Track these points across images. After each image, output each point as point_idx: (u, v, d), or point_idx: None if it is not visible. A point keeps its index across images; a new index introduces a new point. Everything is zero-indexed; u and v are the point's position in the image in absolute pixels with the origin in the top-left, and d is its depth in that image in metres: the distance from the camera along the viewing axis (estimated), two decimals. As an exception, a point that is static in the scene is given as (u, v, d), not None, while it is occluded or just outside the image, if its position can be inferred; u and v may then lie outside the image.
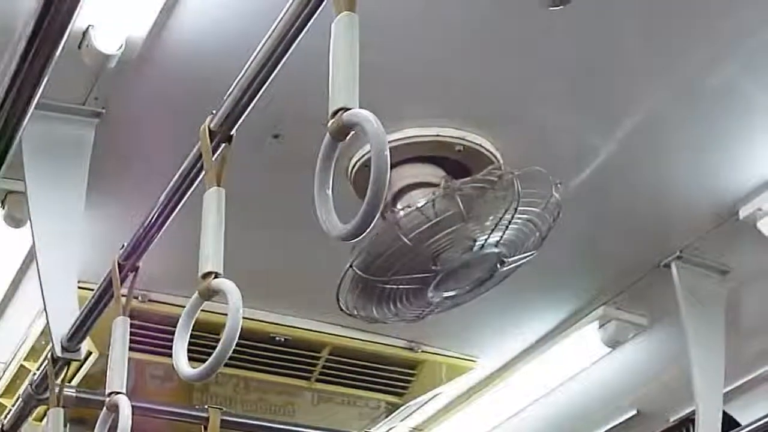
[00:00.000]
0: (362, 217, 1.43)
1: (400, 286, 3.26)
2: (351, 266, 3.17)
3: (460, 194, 3.12)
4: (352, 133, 1.49)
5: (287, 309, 4.24)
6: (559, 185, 3.15)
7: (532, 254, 3.35)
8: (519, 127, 3.24)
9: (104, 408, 2.31)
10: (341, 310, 3.36)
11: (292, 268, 3.61)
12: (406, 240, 3.09)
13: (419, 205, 3.11)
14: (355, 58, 1.54)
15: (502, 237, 3.20)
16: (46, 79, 1.82)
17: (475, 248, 3.21)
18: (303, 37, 1.85)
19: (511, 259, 3.31)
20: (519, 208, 3.15)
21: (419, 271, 3.20)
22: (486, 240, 3.19)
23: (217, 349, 1.74)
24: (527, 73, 3.08)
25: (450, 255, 3.18)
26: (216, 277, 1.83)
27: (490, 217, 3.16)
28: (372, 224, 1.44)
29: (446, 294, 3.36)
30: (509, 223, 3.17)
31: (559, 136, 3.29)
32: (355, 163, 3.21)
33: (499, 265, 3.32)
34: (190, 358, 1.85)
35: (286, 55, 1.89)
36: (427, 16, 2.87)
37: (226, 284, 1.79)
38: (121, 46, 2.83)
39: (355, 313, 3.39)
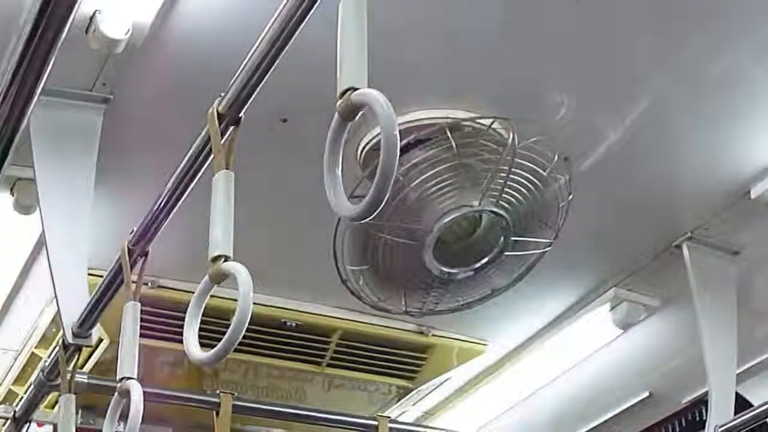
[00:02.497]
0: (372, 197, 1.43)
1: (395, 238, 3.23)
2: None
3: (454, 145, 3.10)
4: (361, 113, 1.48)
5: (298, 294, 4.24)
6: (562, 153, 3.14)
7: (546, 244, 3.34)
8: (528, 109, 3.22)
9: (116, 393, 2.31)
10: (336, 266, 3.33)
11: (301, 253, 3.60)
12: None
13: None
14: (363, 37, 1.53)
15: (500, 195, 3.17)
16: (51, 64, 1.81)
17: (472, 206, 3.18)
18: (311, 18, 1.84)
19: (519, 239, 3.30)
20: (517, 161, 3.13)
21: (412, 220, 3.18)
22: (482, 199, 3.17)
23: (228, 332, 1.74)
24: (535, 59, 3.06)
25: (443, 204, 3.16)
26: (226, 260, 1.83)
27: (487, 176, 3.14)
28: (381, 205, 1.44)
29: (447, 269, 3.34)
30: (506, 179, 3.15)
31: (568, 119, 3.27)
32: (365, 146, 3.20)
33: (505, 244, 3.30)
34: (201, 344, 1.85)
35: (293, 37, 1.88)
36: (436, 6, 2.86)
37: (236, 267, 1.79)
38: (128, 31, 2.82)
39: (352, 279, 3.37)
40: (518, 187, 3.21)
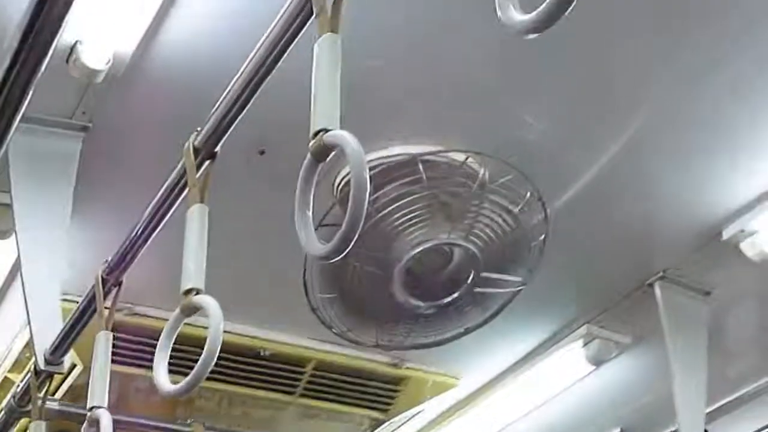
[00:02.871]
0: (341, 237, 1.45)
1: (364, 267, 3.25)
2: None
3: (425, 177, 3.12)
4: (333, 153, 1.51)
5: (272, 324, 4.24)
6: (536, 192, 3.18)
7: (519, 283, 3.37)
8: (504, 147, 3.25)
9: (85, 422, 2.32)
10: (306, 294, 3.35)
11: (277, 284, 3.61)
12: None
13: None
14: (336, 79, 1.55)
15: (470, 230, 3.20)
16: (31, 93, 1.83)
17: (440, 238, 3.20)
18: (290, 54, 1.86)
19: (489, 275, 3.32)
20: (489, 197, 3.16)
21: (381, 248, 3.20)
22: (450, 232, 3.18)
23: (197, 366, 1.75)
24: (512, 96, 3.10)
25: (412, 236, 3.19)
26: (198, 293, 1.85)
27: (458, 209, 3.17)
28: (350, 245, 1.46)
29: (416, 302, 3.37)
30: (477, 213, 3.18)
31: (544, 157, 3.30)
32: (342, 178, 3.22)
33: (475, 280, 3.33)
34: (176, 371, 1.86)
35: (271, 74, 1.91)
36: (411, 35, 2.89)
37: (206, 301, 1.80)
38: (109, 61, 2.84)
39: (322, 309, 3.38)
40: (489, 222, 3.24)
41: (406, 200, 3.15)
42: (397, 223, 3.18)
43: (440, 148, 3.23)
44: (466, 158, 3.19)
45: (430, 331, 3.55)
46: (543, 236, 3.33)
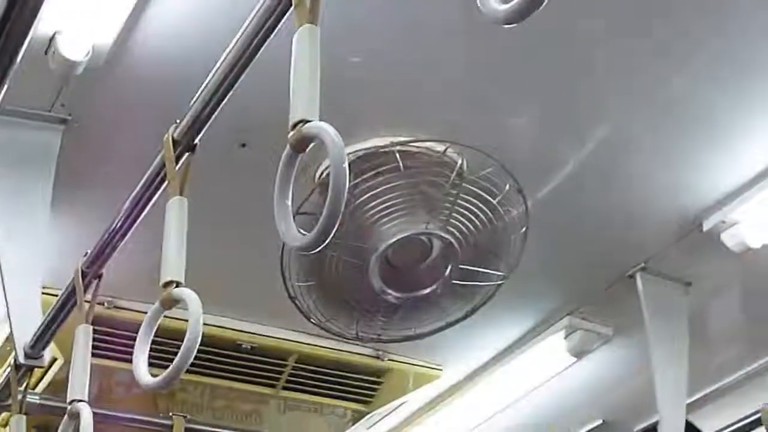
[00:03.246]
0: (320, 228, 1.44)
1: (341, 256, 3.24)
2: None
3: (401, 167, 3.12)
4: (313, 144, 1.50)
5: (253, 316, 4.24)
6: (515, 184, 3.18)
7: (499, 277, 3.37)
8: (485, 138, 3.25)
9: (65, 416, 2.31)
10: (284, 282, 3.34)
11: (258, 276, 3.61)
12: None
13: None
14: (315, 70, 1.55)
15: (447, 220, 3.20)
16: (7, 85, 1.82)
17: (418, 228, 3.20)
18: (270, 45, 1.86)
19: (468, 267, 3.32)
20: (467, 187, 3.16)
21: (357, 238, 3.20)
22: (428, 223, 3.18)
23: (176, 359, 1.75)
24: (493, 87, 3.10)
25: (389, 225, 3.19)
26: (177, 285, 1.84)
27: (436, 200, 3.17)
28: (330, 236, 1.45)
29: (394, 293, 3.37)
30: (454, 203, 3.18)
31: (525, 147, 3.30)
32: (324, 169, 3.22)
33: (453, 272, 3.33)
34: (156, 365, 1.86)
35: (250, 66, 1.90)
36: (389, 27, 2.89)
37: (186, 293, 1.80)
38: (88, 52, 2.82)
39: (300, 297, 3.38)
40: (467, 213, 3.24)
41: (383, 189, 3.15)
42: (374, 212, 3.18)
43: (418, 137, 3.23)
44: (446, 149, 3.19)
45: (411, 323, 3.55)
46: (524, 229, 3.33)
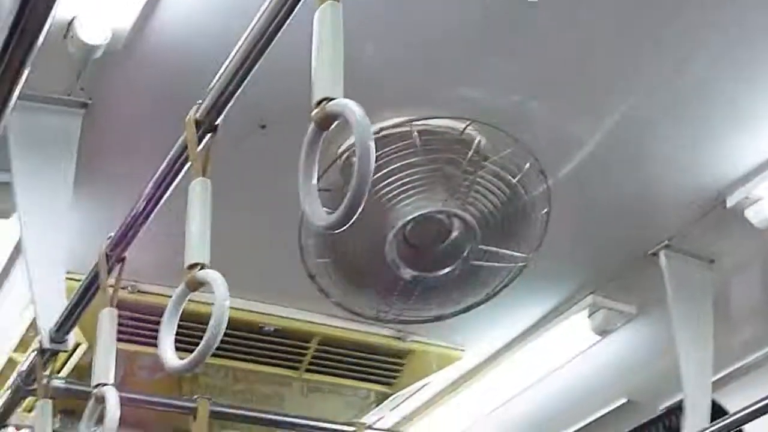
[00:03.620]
0: (347, 207, 1.43)
1: (359, 233, 3.23)
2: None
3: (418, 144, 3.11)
4: (337, 122, 1.49)
5: (276, 299, 4.24)
6: (536, 163, 3.16)
7: (521, 258, 3.35)
8: (505, 118, 3.24)
9: (92, 399, 2.31)
10: (302, 260, 3.32)
11: (281, 258, 3.60)
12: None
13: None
14: (339, 47, 1.54)
15: (465, 199, 3.19)
16: (27, 70, 1.81)
17: (435, 206, 3.19)
18: (290, 26, 1.84)
19: (487, 248, 3.30)
20: (486, 165, 3.14)
21: (375, 216, 3.18)
22: (446, 201, 3.16)
23: (203, 341, 1.74)
24: (511, 67, 3.08)
25: (407, 203, 3.17)
26: (202, 268, 1.83)
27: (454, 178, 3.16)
28: (356, 214, 1.44)
29: (412, 272, 3.36)
30: (473, 182, 3.16)
31: (545, 128, 3.28)
32: (347, 148, 3.21)
33: (472, 252, 3.31)
34: (180, 348, 1.85)
35: (271, 45, 1.89)
36: (410, 9, 2.87)
37: (212, 275, 1.79)
38: (107, 36, 2.82)
39: (315, 272, 3.36)
40: (487, 193, 3.22)
41: (400, 166, 3.13)
42: (392, 189, 3.17)
43: (436, 114, 3.21)
44: (465, 127, 3.18)
45: (431, 305, 3.54)
46: (545, 210, 3.32)
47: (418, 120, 3.17)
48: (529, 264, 3.47)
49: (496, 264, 3.44)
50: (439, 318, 3.67)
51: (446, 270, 3.43)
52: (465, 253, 3.39)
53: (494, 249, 3.39)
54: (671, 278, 3.78)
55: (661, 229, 3.76)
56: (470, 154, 3.16)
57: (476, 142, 3.18)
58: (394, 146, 3.15)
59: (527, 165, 3.23)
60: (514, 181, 3.25)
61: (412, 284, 3.44)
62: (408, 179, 3.17)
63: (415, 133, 3.14)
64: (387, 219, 3.22)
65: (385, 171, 3.13)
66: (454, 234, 3.37)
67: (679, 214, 3.68)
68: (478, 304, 3.59)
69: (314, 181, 1.51)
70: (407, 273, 3.39)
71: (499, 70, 3.09)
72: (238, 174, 3.27)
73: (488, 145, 3.23)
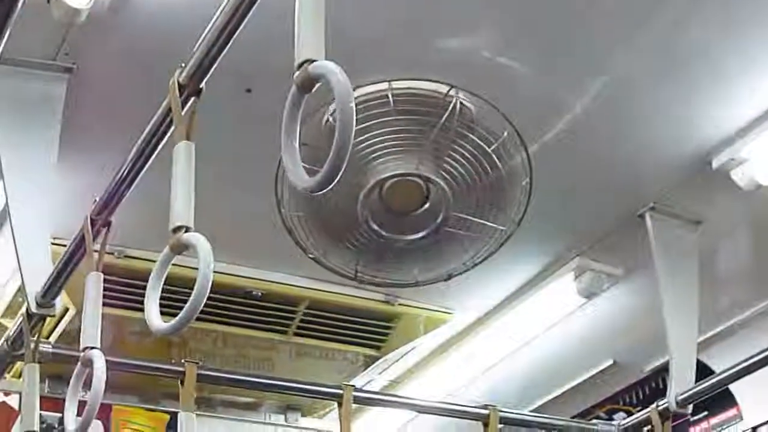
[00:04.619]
0: (328, 169, 1.43)
1: (334, 191, 3.23)
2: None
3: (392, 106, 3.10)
4: (319, 84, 1.49)
5: (264, 263, 4.25)
6: (514, 132, 3.15)
7: (500, 231, 3.34)
8: (492, 83, 3.23)
9: (79, 363, 2.32)
10: (279, 213, 3.32)
11: (267, 223, 3.60)
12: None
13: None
14: (320, 10, 1.53)
15: (440, 165, 3.19)
16: (8, 33, 1.80)
17: (407, 170, 3.19)
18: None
19: (463, 216, 3.30)
20: (465, 134, 3.14)
21: (349, 175, 3.18)
22: (419, 164, 3.16)
23: (188, 303, 1.74)
24: (499, 31, 3.08)
25: (381, 165, 3.17)
26: (187, 231, 1.83)
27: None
28: (338, 177, 1.44)
29: (386, 233, 3.36)
30: (447, 147, 3.16)
31: (532, 91, 3.28)
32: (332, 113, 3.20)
33: (448, 220, 3.32)
34: (166, 313, 1.85)
35: (253, 7, 1.88)
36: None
37: (196, 238, 1.79)
38: (91, 0, 2.80)
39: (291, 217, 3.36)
40: (462, 160, 3.22)
41: (376, 125, 3.12)
42: (366, 149, 3.16)
43: (431, 84, 3.21)
44: (447, 92, 3.16)
45: (409, 268, 3.55)
46: (525, 181, 3.32)
47: (396, 81, 3.16)
48: (509, 235, 3.47)
49: (471, 234, 3.44)
50: (419, 284, 3.69)
51: (419, 234, 3.44)
52: (438, 220, 3.39)
53: (470, 218, 3.39)
54: (657, 240, 3.79)
55: (648, 191, 3.77)
56: (443, 119, 3.15)
57: (453, 107, 3.17)
58: (371, 108, 3.13)
59: (505, 134, 3.23)
60: (489, 150, 3.24)
61: (385, 245, 3.44)
62: (384, 141, 3.17)
63: (390, 95, 3.12)
64: (360, 178, 3.21)
65: (361, 130, 3.12)
66: (430, 200, 3.37)
67: (665, 176, 3.68)
68: (459, 272, 3.60)
69: (296, 143, 1.51)
70: (380, 233, 3.40)
71: (485, 31, 3.09)
72: (224, 138, 3.26)
73: (467, 112, 3.22)
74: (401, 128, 3.16)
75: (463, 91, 3.17)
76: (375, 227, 3.38)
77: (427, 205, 3.37)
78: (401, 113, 3.14)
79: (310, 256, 3.50)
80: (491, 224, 3.41)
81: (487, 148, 3.23)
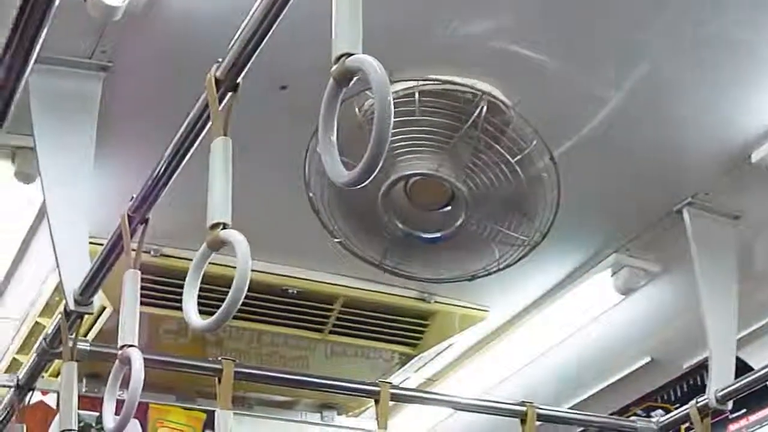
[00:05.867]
0: (366, 163, 1.43)
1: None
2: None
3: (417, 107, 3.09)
4: (356, 78, 1.48)
5: (299, 261, 4.25)
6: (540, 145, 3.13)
7: (521, 241, 3.33)
8: (527, 76, 3.22)
9: (116, 361, 2.32)
10: (307, 194, 3.32)
11: (303, 220, 3.60)
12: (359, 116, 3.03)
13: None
14: (358, 3, 1.53)
15: (463, 167, 3.17)
16: (45, 31, 1.81)
17: (425, 171, 3.18)
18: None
19: (482, 221, 3.28)
20: (485, 140, 3.12)
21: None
22: (438, 168, 3.15)
23: (227, 299, 1.74)
24: (534, 24, 3.06)
25: (400, 165, 3.16)
26: (224, 227, 1.83)
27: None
28: (376, 171, 1.44)
29: (403, 227, 3.35)
30: (474, 151, 3.14)
31: (568, 84, 3.26)
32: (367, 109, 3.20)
33: (467, 224, 3.31)
34: (203, 312, 1.86)
35: (289, 3, 1.88)
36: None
37: (234, 235, 1.79)
38: (126, -2, 2.81)
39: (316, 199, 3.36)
40: (483, 166, 3.21)
41: (398, 125, 3.11)
42: (392, 145, 3.16)
43: (467, 79, 3.19)
44: (476, 97, 3.14)
45: (435, 265, 3.55)
46: (553, 195, 3.29)
47: (422, 81, 3.14)
48: (534, 245, 3.46)
49: (493, 239, 3.43)
50: (444, 280, 3.69)
51: (437, 234, 3.43)
52: (459, 222, 3.38)
53: (491, 225, 3.38)
54: (695, 235, 3.76)
55: (685, 185, 3.73)
56: (468, 124, 3.13)
57: (479, 112, 3.15)
58: (397, 105, 3.12)
59: (533, 143, 3.21)
60: (513, 161, 3.22)
61: (409, 239, 3.44)
62: (407, 139, 3.15)
63: (417, 94, 3.11)
64: (383, 174, 3.21)
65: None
66: (454, 201, 3.36)
67: (703, 170, 3.65)
68: (483, 275, 3.59)
69: (333, 137, 1.51)
70: (398, 227, 3.39)
71: (519, 27, 3.07)
72: (259, 135, 3.27)
73: (493, 118, 3.21)
74: (426, 128, 3.15)
75: (489, 96, 3.15)
76: (397, 221, 3.37)
77: (450, 206, 3.36)
78: (426, 114, 3.13)
79: (336, 240, 3.48)
80: (513, 234, 3.40)
81: (510, 159, 3.21)
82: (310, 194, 3.32)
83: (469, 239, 3.43)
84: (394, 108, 2.97)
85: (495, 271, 3.57)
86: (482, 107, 3.15)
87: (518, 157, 3.22)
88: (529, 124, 3.19)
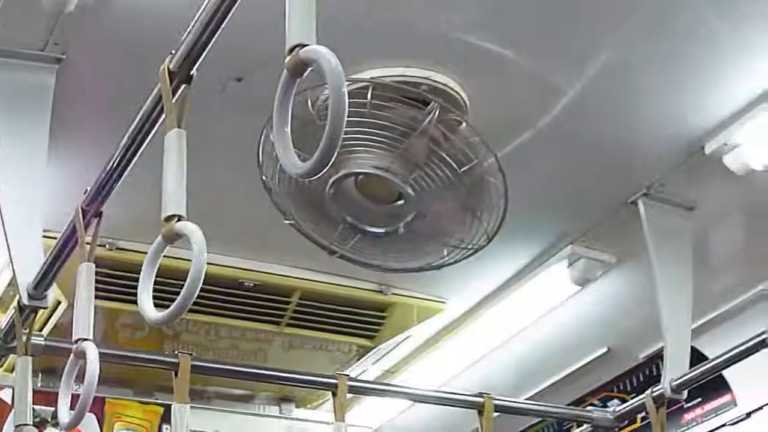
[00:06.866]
0: (320, 154, 1.42)
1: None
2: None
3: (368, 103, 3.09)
4: (310, 69, 1.48)
5: (256, 253, 4.24)
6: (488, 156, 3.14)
7: (466, 247, 3.35)
8: (484, 68, 3.22)
9: (71, 355, 2.30)
10: (260, 171, 3.31)
11: (259, 212, 3.59)
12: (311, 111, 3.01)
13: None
14: (311, -6, 1.52)
15: (413, 167, 3.19)
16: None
17: (372, 169, 3.20)
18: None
19: (428, 218, 3.29)
20: (433, 147, 3.13)
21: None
22: (389, 165, 3.18)
23: (182, 292, 1.73)
24: (492, 15, 3.06)
25: (350, 161, 3.17)
26: (179, 220, 1.82)
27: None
28: (330, 162, 1.43)
29: (351, 219, 3.36)
30: (426, 154, 3.15)
31: (525, 76, 3.27)
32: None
33: (413, 222, 3.32)
34: (159, 305, 1.84)
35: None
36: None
37: (189, 227, 1.78)
38: (79, -11, 2.79)
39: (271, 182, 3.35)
40: (434, 168, 3.22)
41: (357, 120, 3.10)
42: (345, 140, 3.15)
43: (423, 71, 3.19)
44: (433, 106, 3.15)
45: (384, 256, 3.55)
46: (502, 200, 3.31)
47: (377, 71, 3.14)
48: (476, 249, 3.47)
49: (440, 236, 3.44)
50: (395, 270, 3.70)
51: (382, 229, 3.43)
52: (406, 220, 3.39)
53: (438, 225, 3.39)
54: (650, 226, 3.79)
55: (640, 177, 3.76)
56: (421, 126, 3.13)
57: (428, 118, 3.15)
58: (352, 98, 3.12)
59: (475, 159, 3.22)
60: (460, 171, 3.23)
61: (352, 230, 3.44)
62: (362, 134, 3.15)
63: (369, 90, 3.11)
64: (335, 166, 3.20)
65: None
66: (404, 197, 3.36)
67: (657, 161, 3.68)
68: (430, 269, 3.60)
69: (287, 129, 1.50)
70: (347, 218, 3.39)
71: (477, 19, 3.07)
72: (213, 126, 3.25)
73: (445, 122, 3.21)
74: (379, 125, 3.14)
75: (441, 100, 3.16)
76: (345, 215, 3.37)
77: (401, 202, 3.36)
78: (380, 108, 3.12)
79: (288, 221, 3.47)
80: (459, 237, 3.41)
81: (458, 168, 3.22)
82: (263, 177, 3.30)
83: (419, 236, 3.44)
84: (348, 101, 2.99)
85: (446, 265, 3.57)
86: (434, 113, 3.14)
87: (466, 167, 3.22)
88: (476, 132, 3.19)
